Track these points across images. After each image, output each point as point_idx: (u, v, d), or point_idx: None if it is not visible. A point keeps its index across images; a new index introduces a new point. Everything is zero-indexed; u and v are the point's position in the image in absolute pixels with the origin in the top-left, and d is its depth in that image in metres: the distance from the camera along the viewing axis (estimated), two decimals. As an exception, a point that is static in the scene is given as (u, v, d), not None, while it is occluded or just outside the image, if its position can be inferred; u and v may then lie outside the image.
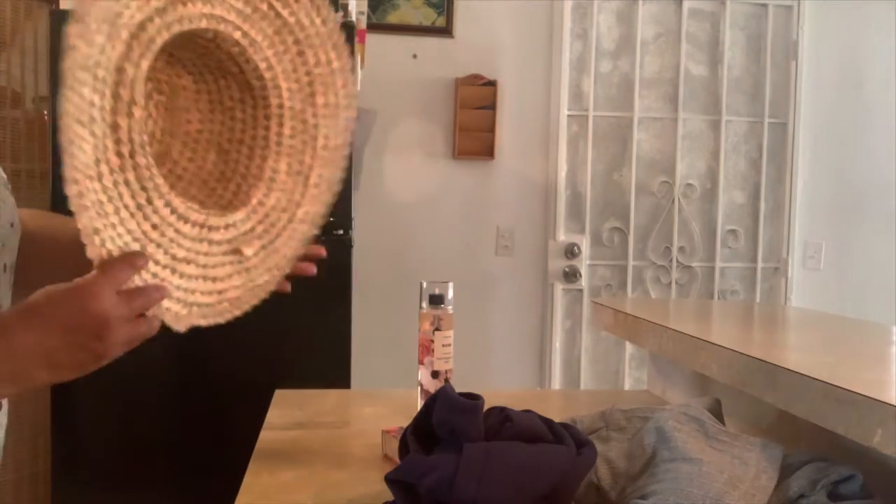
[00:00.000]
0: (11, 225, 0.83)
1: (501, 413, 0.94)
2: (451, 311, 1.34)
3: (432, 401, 0.93)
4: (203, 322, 0.74)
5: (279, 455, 1.14)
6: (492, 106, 3.04)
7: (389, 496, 0.95)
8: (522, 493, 0.82)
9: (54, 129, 2.11)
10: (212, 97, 0.76)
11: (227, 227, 0.74)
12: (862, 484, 0.84)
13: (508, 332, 3.15)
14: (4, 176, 0.86)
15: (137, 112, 0.63)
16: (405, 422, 1.22)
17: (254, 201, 0.76)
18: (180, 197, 0.69)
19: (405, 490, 0.86)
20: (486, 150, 3.06)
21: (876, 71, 3.23)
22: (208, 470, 2.16)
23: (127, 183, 0.64)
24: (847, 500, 0.83)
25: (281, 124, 0.76)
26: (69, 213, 0.90)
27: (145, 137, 0.64)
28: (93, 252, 0.64)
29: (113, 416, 2.17)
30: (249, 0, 0.69)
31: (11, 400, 0.84)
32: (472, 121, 3.04)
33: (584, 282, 3.16)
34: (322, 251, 0.92)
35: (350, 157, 2.29)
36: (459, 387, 1.42)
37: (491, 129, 3.05)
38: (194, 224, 0.70)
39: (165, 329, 0.79)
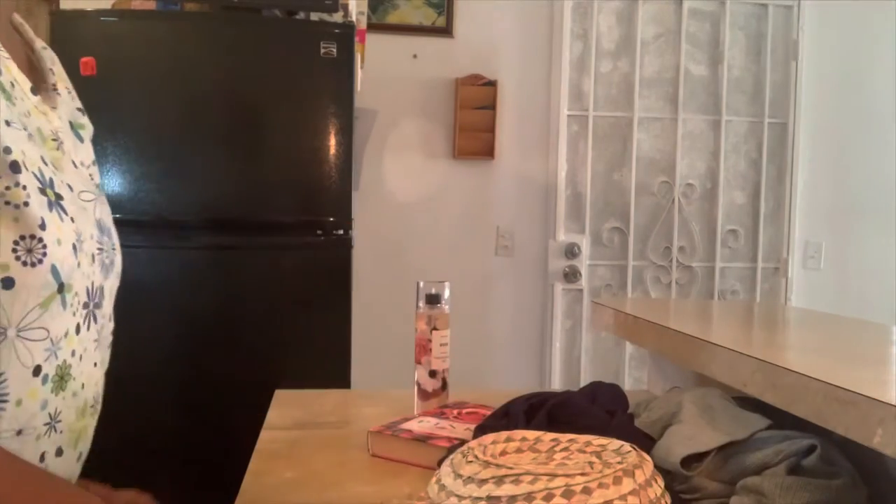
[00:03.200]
0: (118, 276, 0.86)
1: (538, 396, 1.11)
2: (447, 311, 1.34)
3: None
4: None
5: (279, 455, 1.14)
6: (492, 106, 3.04)
7: (387, 496, 0.95)
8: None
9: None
10: None
11: None
12: (820, 454, 0.85)
13: (508, 332, 3.14)
14: (114, 232, 0.87)
15: None
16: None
17: None
18: None
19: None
20: (486, 150, 3.06)
21: (876, 71, 3.23)
22: (208, 470, 2.16)
23: None
24: (805, 475, 0.84)
25: None
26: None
27: None
28: None
29: (112, 416, 2.17)
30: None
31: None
32: (472, 121, 3.03)
33: (584, 282, 3.16)
34: None
35: (350, 157, 2.30)
36: (459, 386, 1.42)
37: (491, 129, 3.05)
38: None
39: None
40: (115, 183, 2.13)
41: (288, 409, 1.40)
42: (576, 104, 3.13)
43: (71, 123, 0.83)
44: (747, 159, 3.25)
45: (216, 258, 2.21)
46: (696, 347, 1.11)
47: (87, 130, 0.87)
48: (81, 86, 2.12)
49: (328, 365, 2.22)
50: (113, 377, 2.35)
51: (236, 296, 2.21)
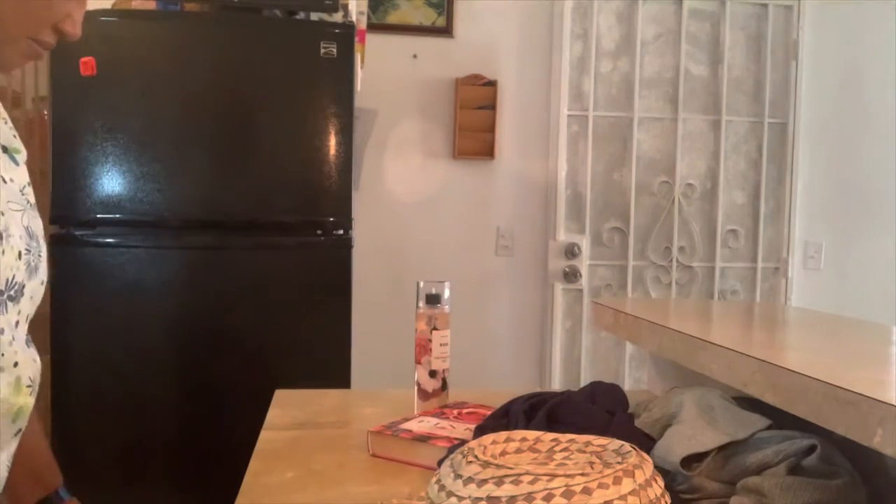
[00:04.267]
0: (42, 283, 0.88)
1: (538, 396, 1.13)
2: (447, 311, 1.34)
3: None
4: None
5: (279, 455, 1.14)
6: (492, 106, 3.04)
7: (387, 496, 0.95)
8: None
9: (54, 128, 2.11)
10: None
11: None
12: (820, 454, 0.86)
13: (508, 332, 3.14)
14: (44, 244, 0.89)
15: None
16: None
17: None
18: None
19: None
20: (486, 150, 3.06)
21: (876, 71, 3.23)
22: (208, 470, 2.16)
23: None
24: (805, 475, 0.85)
25: None
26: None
27: None
28: None
29: (113, 416, 2.17)
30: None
31: None
32: (472, 121, 3.03)
33: (584, 282, 3.15)
34: None
35: (350, 157, 2.30)
36: (459, 386, 1.42)
37: (491, 129, 3.05)
38: None
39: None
40: (115, 183, 2.13)
41: (288, 409, 1.40)
42: (576, 104, 3.13)
43: (5, 147, 0.89)
44: (747, 159, 3.25)
45: (216, 258, 2.21)
46: (696, 347, 1.10)
47: (22, 154, 0.92)
48: (82, 86, 2.12)
49: (328, 365, 2.22)
50: (114, 377, 2.35)
51: (236, 296, 2.21)
